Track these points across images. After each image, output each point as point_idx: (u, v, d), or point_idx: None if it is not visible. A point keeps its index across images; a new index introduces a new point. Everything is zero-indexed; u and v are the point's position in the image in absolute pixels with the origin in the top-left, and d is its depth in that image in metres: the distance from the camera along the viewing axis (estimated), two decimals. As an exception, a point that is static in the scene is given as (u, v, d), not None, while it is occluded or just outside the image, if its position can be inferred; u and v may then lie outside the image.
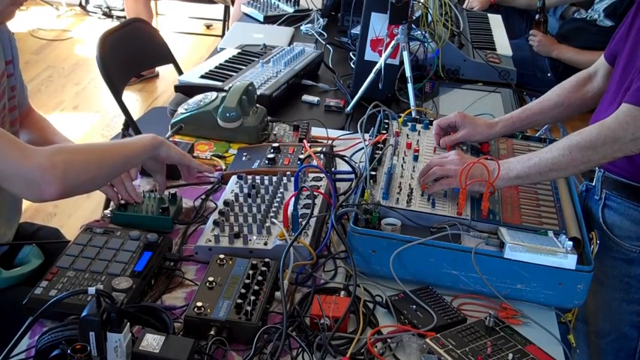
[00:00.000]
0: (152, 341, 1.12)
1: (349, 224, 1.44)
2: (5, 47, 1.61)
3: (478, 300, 1.40)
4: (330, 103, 2.30)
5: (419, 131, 1.87)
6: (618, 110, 1.48)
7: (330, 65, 2.62)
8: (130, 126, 2.77)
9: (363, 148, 1.73)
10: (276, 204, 1.56)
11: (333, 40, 2.88)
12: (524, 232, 1.44)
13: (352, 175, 1.69)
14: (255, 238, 1.46)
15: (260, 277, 1.32)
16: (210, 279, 1.30)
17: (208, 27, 6.00)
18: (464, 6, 3.71)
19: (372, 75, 2.25)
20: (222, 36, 4.78)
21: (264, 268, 1.35)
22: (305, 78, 2.44)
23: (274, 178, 1.66)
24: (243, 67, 2.37)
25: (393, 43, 2.23)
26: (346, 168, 1.74)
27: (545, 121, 1.92)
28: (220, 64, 2.39)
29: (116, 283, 1.28)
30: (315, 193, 1.51)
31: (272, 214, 1.52)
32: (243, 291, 1.27)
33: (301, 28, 3.05)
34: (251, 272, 1.33)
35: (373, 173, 1.59)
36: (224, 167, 1.82)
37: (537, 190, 1.63)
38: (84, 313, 1.06)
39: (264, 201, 1.58)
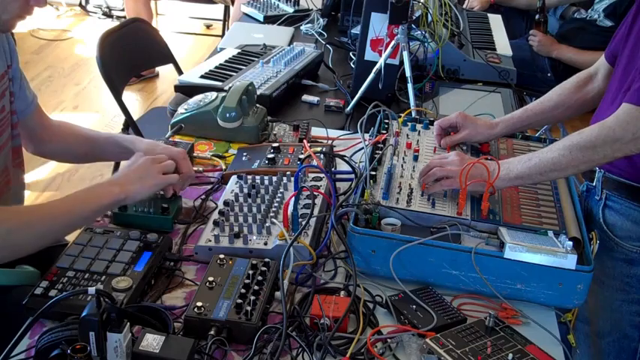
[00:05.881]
0: (152, 341, 1.12)
1: (349, 224, 1.44)
2: (7, 51, 1.61)
3: (478, 300, 1.40)
4: (330, 103, 2.30)
5: (419, 131, 1.87)
6: (618, 110, 1.48)
7: (330, 65, 2.62)
8: (130, 126, 2.77)
9: (363, 148, 1.73)
10: (276, 204, 1.56)
11: (333, 40, 2.88)
12: (524, 232, 1.44)
13: (352, 175, 1.69)
14: (255, 238, 1.46)
15: (260, 277, 1.32)
16: (210, 279, 1.30)
17: (208, 27, 6.00)
18: (464, 6, 3.71)
19: (372, 75, 2.25)
20: (222, 36, 4.77)
21: (264, 268, 1.35)
22: (305, 78, 2.44)
23: (274, 178, 1.66)
24: (243, 67, 2.37)
25: (393, 43, 2.23)
26: (346, 168, 1.73)
27: (545, 121, 1.92)
28: (220, 64, 2.39)
29: (116, 283, 1.28)
30: (315, 193, 1.51)
31: (272, 214, 1.52)
32: (243, 291, 1.27)
33: (301, 28, 3.05)
34: (251, 272, 1.33)
35: (373, 173, 1.59)
36: (224, 167, 1.82)
37: (537, 190, 1.63)
38: (84, 313, 1.06)
39: (264, 201, 1.58)
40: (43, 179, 3.67)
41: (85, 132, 1.81)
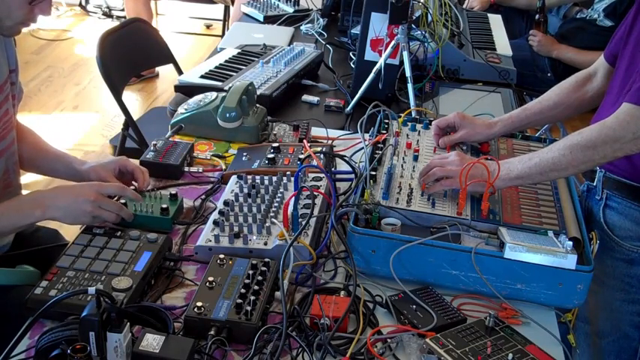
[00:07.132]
0: (152, 341, 1.12)
1: (349, 224, 1.44)
2: (10, 56, 1.62)
3: (478, 300, 1.40)
4: (330, 103, 2.30)
5: (419, 131, 1.86)
6: (619, 110, 1.48)
7: (330, 65, 2.62)
8: (130, 126, 2.77)
9: (363, 148, 1.73)
10: (276, 204, 1.56)
11: (333, 40, 2.88)
12: (524, 232, 1.44)
13: (352, 175, 1.69)
14: (255, 238, 1.46)
15: (260, 277, 1.32)
16: (210, 279, 1.30)
17: (208, 27, 6.00)
18: (464, 6, 3.71)
19: (372, 75, 2.25)
20: (222, 36, 4.77)
21: (264, 268, 1.35)
22: (305, 78, 2.44)
23: (274, 178, 1.66)
24: (243, 67, 2.37)
25: (393, 43, 2.23)
26: (346, 168, 1.73)
27: (544, 121, 1.91)
28: (220, 64, 2.39)
29: (116, 283, 1.28)
30: (315, 193, 1.51)
31: (272, 214, 1.52)
32: (243, 291, 1.27)
33: (301, 28, 3.05)
34: (251, 272, 1.33)
35: (373, 173, 1.59)
36: (224, 167, 1.82)
37: (537, 190, 1.63)
38: (84, 313, 1.06)
39: (264, 201, 1.58)
40: (42, 180, 3.67)
41: (42, 142, 1.76)
